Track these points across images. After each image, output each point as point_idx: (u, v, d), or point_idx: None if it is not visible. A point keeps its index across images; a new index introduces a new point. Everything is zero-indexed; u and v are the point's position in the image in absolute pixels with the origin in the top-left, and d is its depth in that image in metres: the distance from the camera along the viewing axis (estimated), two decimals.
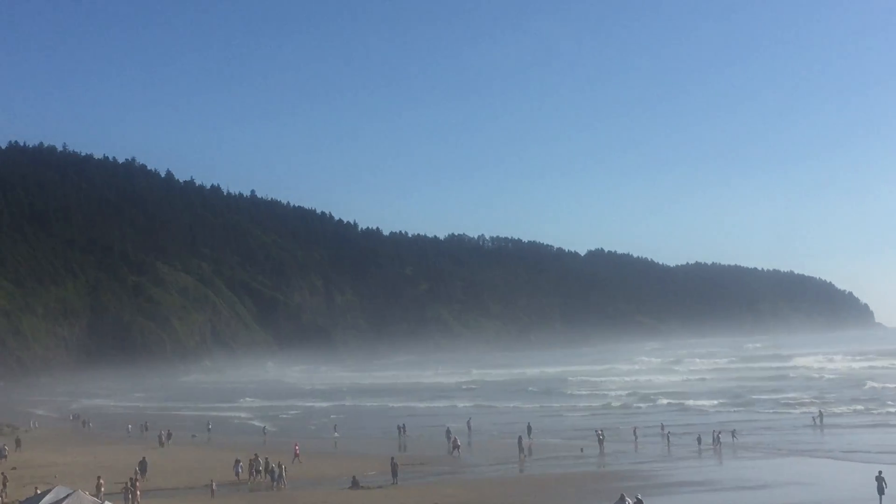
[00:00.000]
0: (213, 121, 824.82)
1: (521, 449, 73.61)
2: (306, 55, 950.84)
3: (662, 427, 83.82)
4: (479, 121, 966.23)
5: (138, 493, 54.63)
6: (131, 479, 57.38)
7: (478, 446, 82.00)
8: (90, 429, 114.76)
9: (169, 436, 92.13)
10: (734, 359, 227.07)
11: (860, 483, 52.24)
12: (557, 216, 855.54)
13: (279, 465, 61.94)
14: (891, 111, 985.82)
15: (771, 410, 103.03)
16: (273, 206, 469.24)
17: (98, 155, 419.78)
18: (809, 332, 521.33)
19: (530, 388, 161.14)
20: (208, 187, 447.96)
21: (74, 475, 63.35)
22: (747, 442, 75.13)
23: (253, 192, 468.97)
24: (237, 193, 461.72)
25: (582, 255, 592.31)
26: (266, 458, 65.67)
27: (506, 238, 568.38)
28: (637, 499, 45.26)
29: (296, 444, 75.34)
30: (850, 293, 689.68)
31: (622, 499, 45.14)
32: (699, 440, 74.51)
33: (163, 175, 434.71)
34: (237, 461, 65.21)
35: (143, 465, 65.74)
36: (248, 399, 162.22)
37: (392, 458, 62.59)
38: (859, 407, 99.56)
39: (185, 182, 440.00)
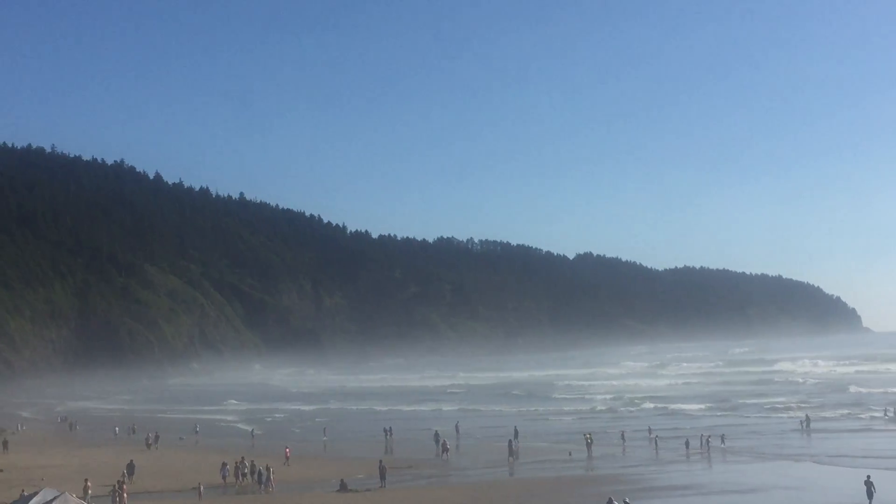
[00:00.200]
0: (201, 123, 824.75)
1: (510, 452, 73.67)
2: (295, 58, 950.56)
3: (650, 431, 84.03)
4: (469, 124, 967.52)
5: (125, 495, 54.53)
6: (119, 481, 57.34)
7: (466, 449, 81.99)
8: (77, 431, 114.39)
9: (156, 438, 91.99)
10: (720, 363, 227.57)
11: (847, 488, 52.54)
12: (546, 220, 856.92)
13: (267, 468, 61.82)
14: (880, 117, 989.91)
15: (757, 415, 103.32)
16: (262, 208, 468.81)
17: (87, 156, 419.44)
18: (797, 336, 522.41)
19: (515, 392, 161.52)
20: (197, 189, 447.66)
21: (62, 477, 63.18)
22: (734, 446, 75.32)
23: (242, 194, 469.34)
24: (226, 195, 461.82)
25: (571, 258, 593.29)
26: (252, 462, 65.58)
27: (495, 241, 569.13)
28: (625, 502, 45.43)
29: (287, 448, 75.30)
30: (838, 298, 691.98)
31: (610, 502, 45.31)
32: (687, 444, 74.72)
33: (151, 177, 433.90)
34: (224, 464, 65.12)
35: (130, 467, 65.63)
36: (233, 402, 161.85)
37: (380, 462, 62.61)
38: (845, 411, 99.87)
39: (173, 184, 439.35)
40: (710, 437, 75.33)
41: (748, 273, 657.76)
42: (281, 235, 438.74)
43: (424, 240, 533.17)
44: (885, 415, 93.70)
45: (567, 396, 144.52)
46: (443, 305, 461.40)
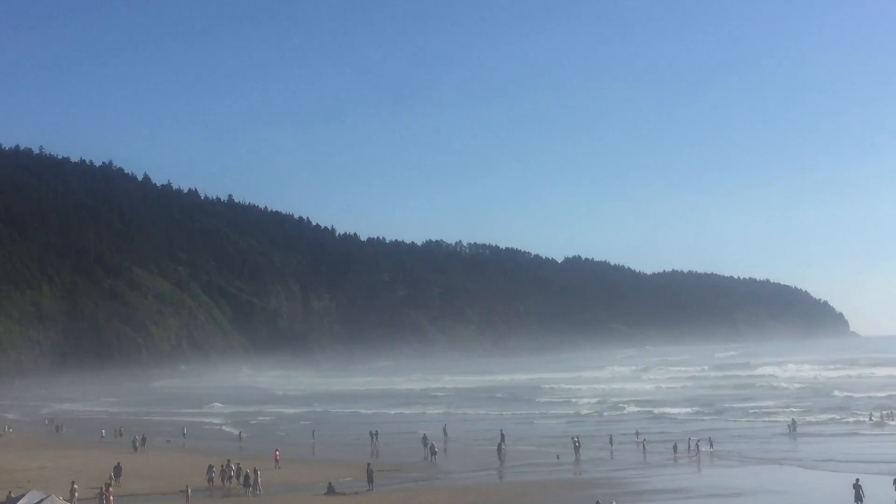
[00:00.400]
0: (190, 125, 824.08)
1: (500, 456, 73.66)
2: (284, 61, 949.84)
3: (637, 434, 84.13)
4: (458, 129, 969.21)
5: (112, 497, 54.38)
6: (106, 483, 57.17)
7: (453, 453, 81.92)
8: (64, 433, 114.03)
9: (143, 441, 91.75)
10: (705, 367, 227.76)
11: (835, 491, 52.84)
12: (535, 223, 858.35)
13: (254, 471, 61.65)
14: (867, 124, 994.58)
15: (743, 419, 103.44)
16: (250, 210, 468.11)
17: (75, 158, 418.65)
18: (784, 340, 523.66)
19: (499, 395, 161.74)
20: (185, 191, 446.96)
21: (48, 480, 63.00)
22: (720, 450, 75.45)
23: (230, 196, 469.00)
24: (215, 198, 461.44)
25: (559, 262, 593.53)
26: (238, 464, 65.38)
27: (483, 244, 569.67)
28: None
29: (276, 451, 75.18)
30: (826, 302, 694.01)
31: None
32: (675, 448, 74.81)
33: (140, 179, 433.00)
34: (210, 467, 64.93)
35: (117, 469, 65.46)
36: (217, 405, 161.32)
37: (368, 465, 62.48)
38: (830, 416, 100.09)
39: (162, 186, 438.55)
40: (699, 440, 75.42)
41: (736, 277, 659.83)
42: (269, 238, 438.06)
43: (413, 243, 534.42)
44: (871, 419, 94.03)
45: (551, 400, 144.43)
46: (431, 308, 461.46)
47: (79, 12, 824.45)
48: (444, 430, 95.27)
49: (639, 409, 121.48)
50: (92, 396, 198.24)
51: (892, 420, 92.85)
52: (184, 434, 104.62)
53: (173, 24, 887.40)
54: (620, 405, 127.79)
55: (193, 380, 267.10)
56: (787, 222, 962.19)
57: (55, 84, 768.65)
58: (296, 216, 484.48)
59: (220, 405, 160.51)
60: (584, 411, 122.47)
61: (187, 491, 57.84)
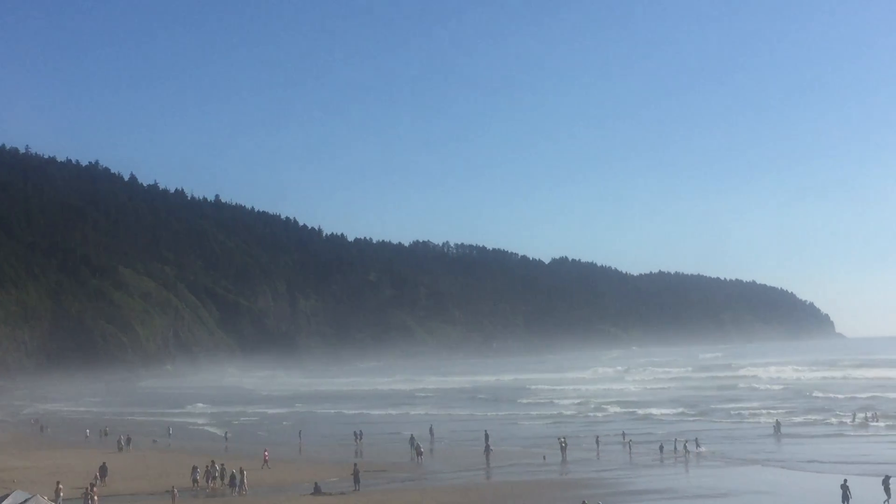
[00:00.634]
0: (177, 125, 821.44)
1: (487, 457, 73.68)
2: (270, 61, 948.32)
3: (624, 435, 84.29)
4: (446, 129, 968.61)
5: (96, 497, 54.18)
6: (91, 483, 56.97)
7: (440, 453, 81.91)
8: (48, 433, 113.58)
9: (128, 441, 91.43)
10: (688, 368, 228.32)
11: (820, 492, 53.14)
12: (522, 224, 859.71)
13: (241, 471, 61.49)
14: (855, 125, 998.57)
15: (727, 420, 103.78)
16: (237, 210, 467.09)
17: (61, 157, 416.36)
18: (770, 341, 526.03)
19: (481, 396, 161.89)
20: (172, 191, 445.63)
21: (33, 480, 62.71)
22: (707, 451, 75.62)
23: (217, 196, 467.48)
24: (201, 198, 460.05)
25: (546, 263, 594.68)
26: (222, 465, 65.17)
27: (470, 245, 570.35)
28: None
29: (265, 451, 75.07)
30: (812, 304, 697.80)
31: None
32: (661, 448, 74.99)
33: (126, 178, 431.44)
34: (194, 468, 64.70)
35: (103, 469, 65.25)
36: (199, 405, 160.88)
37: (354, 465, 62.39)
38: (814, 417, 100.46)
39: (148, 186, 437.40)
40: (686, 441, 75.60)
41: (723, 279, 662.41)
42: (256, 238, 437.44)
43: (400, 243, 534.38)
44: (854, 420, 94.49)
45: (533, 401, 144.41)
46: (418, 309, 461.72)
47: (65, 12, 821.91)
48: (431, 430, 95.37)
49: (622, 410, 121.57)
50: (77, 396, 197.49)
51: (876, 421, 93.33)
52: (169, 434, 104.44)
53: (159, 26, 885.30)
54: (603, 406, 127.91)
55: (179, 380, 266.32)
56: (773, 224, 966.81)
57: (41, 83, 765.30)
58: (283, 216, 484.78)
59: (202, 405, 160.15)
60: (567, 412, 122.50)
61: (173, 491, 57.59)
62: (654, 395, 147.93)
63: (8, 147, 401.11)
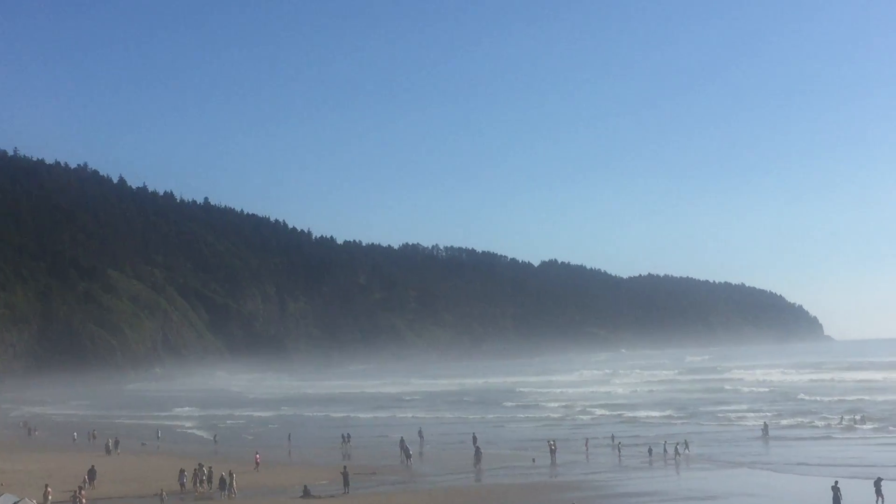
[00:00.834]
0: (166, 127, 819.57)
1: (478, 459, 73.69)
2: (259, 63, 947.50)
3: (613, 438, 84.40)
4: (435, 132, 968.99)
5: (85, 501, 54.07)
6: (79, 487, 56.87)
7: (429, 456, 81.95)
8: (36, 436, 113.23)
9: (116, 444, 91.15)
10: (675, 371, 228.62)
11: (810, 495, 53.33)
12: (512, 227, 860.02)
13: (230, 474, 61.38)
14: (844, 127, 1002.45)
15: (714, 423, 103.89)
16: (226, 213, 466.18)
17: (50, 160, 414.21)
18: (758, 344, 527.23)
19: (466, 399, 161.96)
20: (161, 194, 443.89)
21: (21, 483, 62.52)
22: (696, 453, 75.80)
23: (206, 199, 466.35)
24: (190, 200, 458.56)
25: (535, 265, 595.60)
26: (210, 468, 65.03)
27: (460, 248, 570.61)
28: None
29: (257, 454, 74.98)
30: (800, 306, 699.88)
31: None
32: (650, 451, 75.15)
33: (115, 181, 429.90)
34: (182, 471, 64.55)
35: (91, 473, 65.07)
36: (187, 408, 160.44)
37: (344, 468, 62.36)
38: (802, 420, 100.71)
39: (137, 188, 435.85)
40: (677, 444, 75.73)
41: (712, 281, 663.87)
42: (245, 241, 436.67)
43: (389, 246, 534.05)
44: (841, 423, 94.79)
45: (520, 404, 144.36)
46: (408, 312, 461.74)
47: (53, 14, 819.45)
48: (420, 432, 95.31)
49: (609, 412, 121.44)
50: (65, 399, 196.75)
51: (863, 424, 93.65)
52: (158, 437, 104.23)
53: (147, 29, 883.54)
54: (589, 409, 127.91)
55: (167, 383, 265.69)
56: (763, 227, 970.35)
57: (29, 85, 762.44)
58: (272, 219, 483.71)
59: (190, 408, 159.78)
60: (554, 415, 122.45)
61: (162, 494, 57.55)
62: (641, 398, 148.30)
63: None
